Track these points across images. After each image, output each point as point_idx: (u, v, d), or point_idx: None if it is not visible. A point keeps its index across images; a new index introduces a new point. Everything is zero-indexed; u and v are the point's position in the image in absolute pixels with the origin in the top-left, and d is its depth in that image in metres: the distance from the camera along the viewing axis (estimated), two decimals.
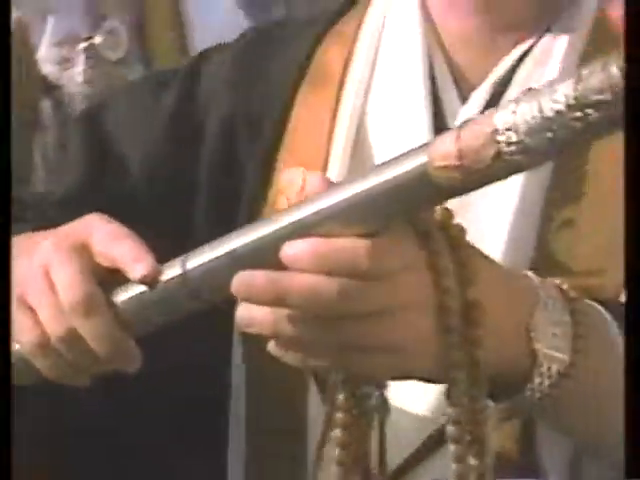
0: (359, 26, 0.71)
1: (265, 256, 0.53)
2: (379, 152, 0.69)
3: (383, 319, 0.51)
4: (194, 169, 0.74)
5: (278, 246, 0.52)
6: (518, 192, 0.66)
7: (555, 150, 0.47)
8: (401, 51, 0.70)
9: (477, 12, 0.67)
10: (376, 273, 0.50)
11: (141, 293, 0.57)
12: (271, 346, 0.53)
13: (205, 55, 0.79)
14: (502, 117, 0.47)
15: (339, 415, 0.54)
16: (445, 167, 0.48)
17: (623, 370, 0.48)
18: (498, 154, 0.47)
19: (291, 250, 0.50)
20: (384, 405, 0.55)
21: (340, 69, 0.70)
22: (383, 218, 0.52)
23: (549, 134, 0.45)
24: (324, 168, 0.68)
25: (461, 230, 0.53)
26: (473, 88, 0.68)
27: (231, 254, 0.54)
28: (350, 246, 0.50)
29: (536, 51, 0.67)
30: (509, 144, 0.46)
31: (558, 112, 0.45)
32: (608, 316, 0.57)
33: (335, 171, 0.68)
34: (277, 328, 0.51)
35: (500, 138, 0.46)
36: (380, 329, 0.51)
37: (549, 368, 0.53)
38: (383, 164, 0.52)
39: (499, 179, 0.49)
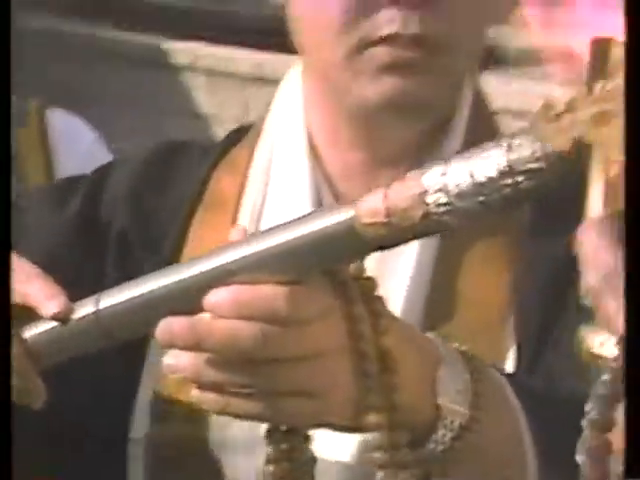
0: (251, 155, 0.74)
1: (181, 300, 0.55)
2: None
3: (301, 365, 0.53)
4: (99, 274, 0.74)
5: (193, 291, 0.54)
6: (414, 259, 0.69)
7: (484, 213, 0.47)
8: (290, 180, 0.73)
9: (359, 147, 0.71)
10: (294, 320, 0.52)
11: (52, 329, 0.58)
12: (194, 392, 0.54)
13: (111, 166, 0.81)
14: (431, 178, 0.47)
15: (270, 468, 0.56)
16: (372, 224, 0.50)
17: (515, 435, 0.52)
18: (426, 214, 0.48)
19: (213, 298, 0.52)
20: (311, 456, 0.57)
21: (235, 195, 0.73)
22: (306, 268, 0.53)
23: (480, 198, 0.46)
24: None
25: (373, 282, 0.55)
26: None
27: (145, 296, 0.56)
28: (270, 293, 0.52)
29: None
30: (438, 205, 0.47)
31: (490, 178, 0.46)
32: (503, 378, 0.59)
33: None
34: (198, 373, 0.53)
35: (429, 199, 0.48)
36: (298, 375, 0.53)
37: (452, 421, 0.55)
38: (309, 215, 0.54)
39: (426, 236, 0.51)
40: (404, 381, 0.54)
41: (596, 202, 0.41)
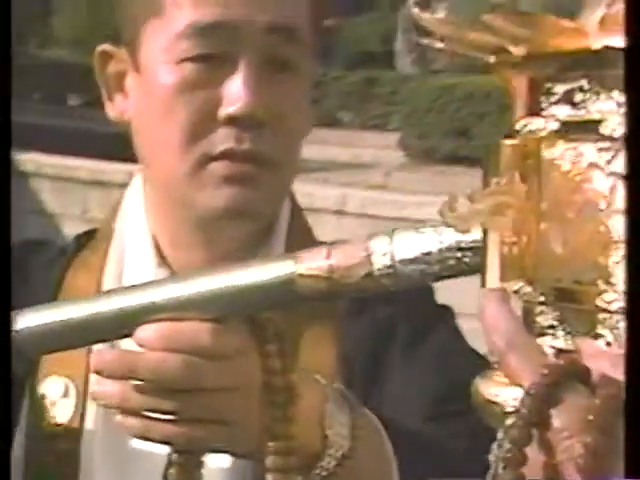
0: (104, 257, 0.77)
1: (106, 329, 0.58)
2: None
3: (220, 395, 0.57)
4: None
5: (120, 321, 0.57)
6: None
7: (425, 280, 0.51)
8: (139, 280, 0.73)
9: (199, 247, 0.74)
10: (216, 354, 0.56)
11: None
12: (117, 418, 0.57)
13: None
14: (379, 243, 0.51)
15: (172, 471, 0.59)
16: (313, 277, 0.53)
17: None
18: (369, 274, 0.51)
19: (141, 333, 0.56)
20: (203, 462, 0.60)
21: (92, 292, 0.74)
22: (237, 311, 0.57)
23: (423, 266, 0.50)
24: (86, 375, 0.71)
25: (283, 324, 0.59)
26: None
27: (66, 322, 0.57)
28: (194, 329, 0.56)
29: None
30: (381, 268, 0.51)
31: (438, 250, 0.49)
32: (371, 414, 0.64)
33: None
34: (124, 400, 0.56)
35: (374, 260, 0.51)
36: (217, 404, 0.57)
37: (336, 450, 0.61)
38: (249, 263, 0.56)
39: (364, 293, 0.54)
40: (302, 414, 0.59)
41: (494, 276, 0.45)
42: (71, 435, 0.70)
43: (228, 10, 0.68)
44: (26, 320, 0.58)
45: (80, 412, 0.71)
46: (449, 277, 0.50)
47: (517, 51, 0.43)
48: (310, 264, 0.53)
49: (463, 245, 0.49)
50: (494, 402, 0.45)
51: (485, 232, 0.45)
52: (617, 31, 0.39)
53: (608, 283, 0.41)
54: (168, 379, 0.55)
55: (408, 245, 0.50)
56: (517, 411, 0.41)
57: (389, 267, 0.50)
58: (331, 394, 0.61)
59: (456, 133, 6.26)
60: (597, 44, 0.40)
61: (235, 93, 0.68)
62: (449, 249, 0.49)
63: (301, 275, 0.53)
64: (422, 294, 0.77)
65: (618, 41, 0.38)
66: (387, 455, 0.63)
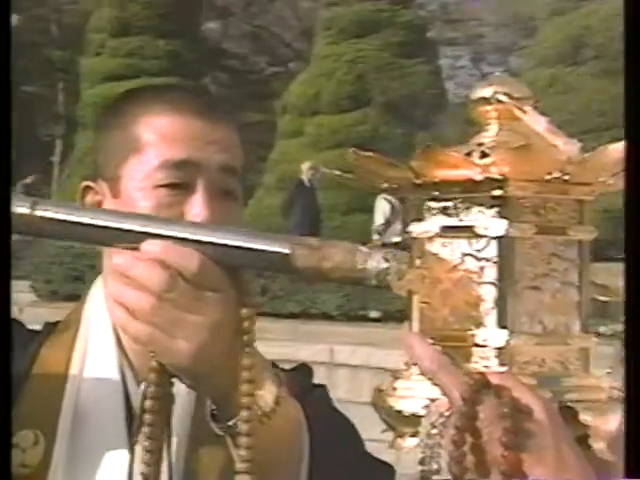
0: (73, 341, 0.88)
1: (107, 237, 0.68)
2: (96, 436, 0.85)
3: (190, 316, 0.66)
4: None
5: (128, 236, 0.66)
6: None
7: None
8: (101, 359, 0.87)
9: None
10: (197, 279, 0.65)
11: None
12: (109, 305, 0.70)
13: None
14: (374, 258, 0.62)
15: (147, 403, 0.70)
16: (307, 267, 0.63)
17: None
18: (363, 270, 0.62)
19: (148, 246, 0.66)
20: (172, 396, 0.72)
21: (62, 371, 0.86)
22: (232, 262, 0.66)
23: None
24: (54, 426, 0.83)
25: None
26: None
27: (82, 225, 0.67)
28: (188, 254, 0.66)
29: None
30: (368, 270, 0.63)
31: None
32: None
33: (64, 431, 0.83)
34: (118, 293, 0.67)
35: (370, 264, 0.62)
36: (185, 322, 0.66)
37: (259, 408, 0.69)
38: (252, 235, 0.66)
39: (354, 283, 0.64)
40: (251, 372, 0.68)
41: (416, 324, 0.62)
42: (38, 478, 0.81)
43: (192, 151, 0.84)
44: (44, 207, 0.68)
45: (48, 458, 0.81)
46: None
47: (414, 180, 0.61)
48: (304, 255, 0.63)
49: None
50: (400, 410, 0.61)
51: (409, 294, 0.62)
52: (501, 159, 0.58)
53: (479, 327, 0.61)
54: (152, 285, 0.64)
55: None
56: (457, 410, 0.58)
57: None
58: (270, 370, 0.71)
59: None
60: (479, 175, 0.59)
61: (196, 210, 0.82)
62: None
63: (294, 257, 0.63)
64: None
65: (500, 168, 0.58)
66: (301, 434, 0.73)
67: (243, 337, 0.68)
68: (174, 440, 0.76)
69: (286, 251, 0.64)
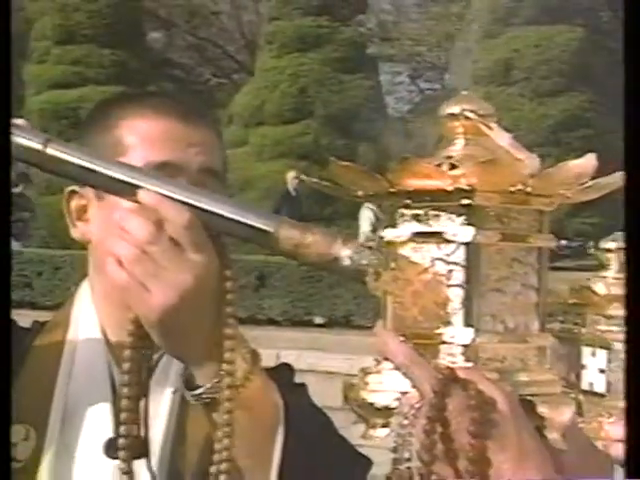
0: (64, 336, 0.90)
1: (109, 184, 0.71)
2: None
3: (172, 273, 0.67)
4: None
5: (125, 184, 0.70)
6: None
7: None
8: (89, 369, 0.88)
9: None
10: (186, 237, 0.67)
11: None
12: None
13: None
14: (347, 253, 0.65)
15: (125, 377, 0.72)
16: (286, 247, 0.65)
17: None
18: (336, 259, 0.66)
19: (144, 195, 0.69)
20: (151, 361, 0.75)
21: (53, 365, 0.87)
22: (219, 228, 0.68)
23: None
24: (45, 422, 0.85)
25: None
26: None
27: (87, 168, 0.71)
28: (179, 210, 0.68)
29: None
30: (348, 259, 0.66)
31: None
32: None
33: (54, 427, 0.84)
34: (112, 248, 0.69)
35: (344, 252, 0.66)
36: (166, 277, 0.67)
37: (228, 382, 0.71)
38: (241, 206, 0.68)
39: (328, 271, 0.67)
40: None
41: (389, 322, 0.64)
42: (28, 472, 0.81)
43: (173, 153, 0.85)
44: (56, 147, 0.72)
45: (38, 452, 0.81)
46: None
47: (389, 189, 0.64)
48: (289, 236, 0.66)
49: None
50: (372, 403, 0.64)
51: (384, 294, 0.64)
52: (470, 171, 0.61)
53: (447, 326, 0.65)
54: (137, 235, 0.67)
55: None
56: (428, 402, 0.61)
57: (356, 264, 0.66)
58: (245, 348, 0.72)
59: None
60: (449, 186, 0.62)
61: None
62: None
63: (278, 237, 0.66)
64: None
65: (468, 179, 0.61)
66: (277, 411, 0.75)
67: (226, 308, 0.69)
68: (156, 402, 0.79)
69: (270, 229, 0.66)
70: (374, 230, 8.79)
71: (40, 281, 8.20)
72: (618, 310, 1.08)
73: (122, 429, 0.72)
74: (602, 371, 1.07)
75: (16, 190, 9.23)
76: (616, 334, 1.08)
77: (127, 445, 0.72)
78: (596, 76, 11.64)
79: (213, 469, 0.69)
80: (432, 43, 17.91)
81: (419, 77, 19.87)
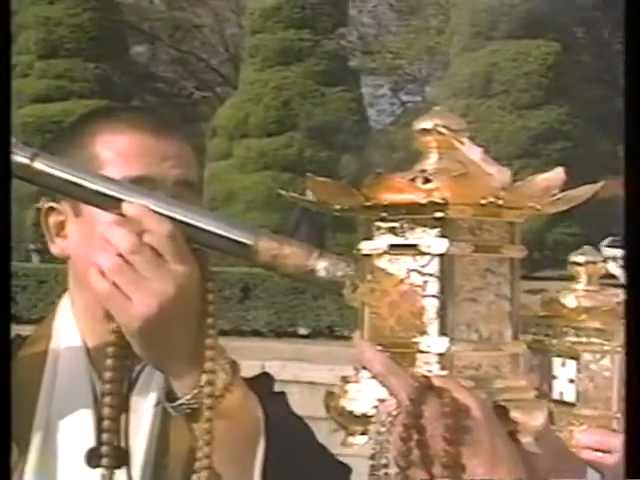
0: (46, 351, 0.90)
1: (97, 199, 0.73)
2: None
3: (156, 284, 0.69)
4: None
5: (110, 199, 0.72)
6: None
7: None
8: (71, 383, 0.88)
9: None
10: (168, 248, 0.69)
11: None
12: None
13: None
14: (323, 266, 0.67)
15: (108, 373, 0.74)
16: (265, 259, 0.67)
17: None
18: (312, 271, 0.67)
19: (128, 207, 0.71)
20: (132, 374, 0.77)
21: (35, 379, 0.88)
22: (199, 241, 0.70)
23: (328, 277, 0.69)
24: (26, 442, 0.84)
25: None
26: None
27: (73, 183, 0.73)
28: (159, 222, 0.70)
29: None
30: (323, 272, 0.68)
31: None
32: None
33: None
34: (95, 259, 0.71)
35: (320, 264, 0.68)
36: (151, 287, 0.69)
37: (210, 389, 0.72)
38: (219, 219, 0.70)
39: (306, 282, 0.69)
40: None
41: (366, 333, 0.66)
42: None
43: (148, 167, 0.86)
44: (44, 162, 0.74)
45: (20, 467, 0.82)
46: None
47: (365, 203, 0.66)
48: (267, 248, 0.68)
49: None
50: (351, 411, 0.65)
51: (362, 305, 0.66)
52: (443, 185, 0.63)
53: (422, 335, 0.66)
54: (119, 245, 0.69)
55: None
56: (405, 409, 0.62)
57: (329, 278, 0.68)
58: (224, 359, 0.73)
59: None
60: (423, 199, 0.64)
61: None
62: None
63: (256, 251, 0.68)
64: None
65: (442, 193, 0.63)
66: (258, 430, 0.75)
67: (207, 319, 0.70)
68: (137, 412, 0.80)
69: (249, 242, 0.67)
70: None
71: (24, 294, 8.15)
72: (587, 322, 1.10)
73: (104, 437, 0.72)
74: (572, 381, 1.10)
75: None
76: (585, 345, 1.10)
77: (109, 453, 0.72)
78: (572, 90, 11.76)
79: (194, 478, 0.70)
80: (413, 56, 18.03)
81: (400, 90, 19.98)
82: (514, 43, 12.18)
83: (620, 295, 1.16)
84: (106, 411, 0.72)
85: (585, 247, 1.16)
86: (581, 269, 1.13)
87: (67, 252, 0.90)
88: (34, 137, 12.11)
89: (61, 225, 0.89)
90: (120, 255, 0.69)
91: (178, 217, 0.70)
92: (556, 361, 1.09)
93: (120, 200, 0.70)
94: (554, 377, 1.08)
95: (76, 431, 0.84)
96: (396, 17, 19.52)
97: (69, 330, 0.90)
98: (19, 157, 0.72)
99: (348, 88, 12.88)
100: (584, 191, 0.64)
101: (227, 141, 12.37)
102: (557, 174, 0.62)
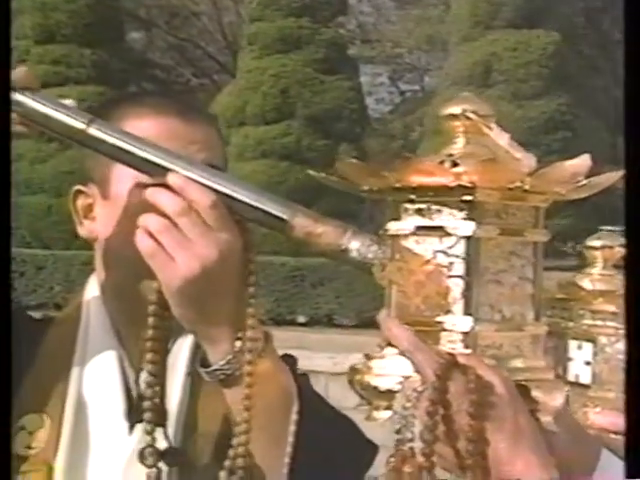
0: (76, 331, 0.92)
1: (145, 165, 0.75)
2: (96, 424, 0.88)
3: (200, 249, 0.71)
4: None
5: (158, 166, 0.74)
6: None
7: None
8: (101, 362, 0.90)
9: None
10: (211, 217, 0.71)
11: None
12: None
13: None
14: (356, 244, 0.70)
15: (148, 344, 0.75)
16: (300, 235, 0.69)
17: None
18: (345, 250, 0.70)
19: (172, 178, 0.73)
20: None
21: (67, 357, 0.90)
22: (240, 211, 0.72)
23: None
24: (62, 410, 0.86)
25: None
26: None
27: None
28: (203, 192, 0.72)
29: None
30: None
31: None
32: None
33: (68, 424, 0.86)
34: (143, 222, 0.73)
35: (348, 244, 0.70)
36: (196, 253, 0.71)
37: (248, 354, 0.74)
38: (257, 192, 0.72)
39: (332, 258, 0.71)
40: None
41: (393, 310, 0.67)
42: (44, 460, 0.83)
43: (175, 150, 0.83)
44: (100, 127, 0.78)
45: (53, 440, 0.83)
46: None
47: (394, 185, 0.68)
48: (302, 225, 0.70)
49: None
50: (375, 386, 0.68)
51: (389, 283, 0.68)
52: (471, 169, 0.65)
53: (447, 314, 0.68)
54: (167, 208, 0.71)
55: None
56: (431, 385, 0.64)
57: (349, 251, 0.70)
58: (260, 328, 0.75)
59: None
60: (452, 183, 0.66)
61: None
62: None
63: (291, 226, 0.70)
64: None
65: (470, 177, 0.65)
66: (290, 390, 0.78)
67: (248, 288, 0.73)
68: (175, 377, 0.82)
69: (285, 217, 0.69)
70: None
71: (22, 280, 8.16)
72: (603, 305, 1.12)
73: (147, 392, 0.75)
74: (588, 363, 1.12)
75: None
76: (601, 328, 1.12)
77: (151, 408, 0.75)
78: (572, 80, 11.76)
79: (234, 441, 0.72)
80: (412, 45, 17.99)
81: (399, 79, 19.95)
82: (514, 32, 12.16)
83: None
84: (148, 367, 0.74)
85: (601, 232, 1.18)
86: (597, 253, 1.15)
87: (95, 234, 0.91)
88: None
89: (89, 207, 0.91)
90: (168, 216, 0.71)
91: (220, 188, 0.72)
92: (572, 344, 1.11)
93: (167, 169, 0.72)
94: (570, 359, 1.11)
95: (107, 409, 0.86)
96: (395, 6, 19.46)
97: (97, 310, 0.91)
98: (76, 122, 0.75)
99: (347, 76, 12.85)
100: (607, 178, 0.66)
101: (225, 129, 12.34)
102: (583, 161, 0.64)
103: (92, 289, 0.94)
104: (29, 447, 0.84)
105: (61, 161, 10.03)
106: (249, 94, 12.34)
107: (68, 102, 0.77)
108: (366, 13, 19.62)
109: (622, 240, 1.10)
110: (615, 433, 1.02)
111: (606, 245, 1.14)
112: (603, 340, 1.10)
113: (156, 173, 0.74)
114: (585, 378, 1.08)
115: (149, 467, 0.75)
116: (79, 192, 0.92)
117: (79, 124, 0.75)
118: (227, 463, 0.73)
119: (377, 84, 19.73)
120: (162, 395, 0.77)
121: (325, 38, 12.94)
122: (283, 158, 11.31)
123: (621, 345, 1.12)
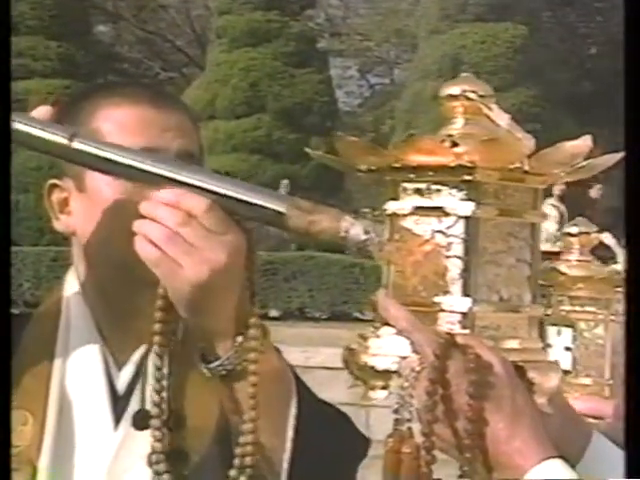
0: (56, 326, 0.90)
1: (135, 175, 0.74)
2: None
3: (199, 255, 0.71)
4: None
5: (145, 176, 0.73)
6: None
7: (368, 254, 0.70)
8: (83, 358, 0.89)
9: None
10: (209, 221, 0.70)
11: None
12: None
13: None
14: (355, 228, 0.69)
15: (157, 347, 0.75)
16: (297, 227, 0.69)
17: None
18: (344, 237, 0.69)
19: (163, 193, 0.72)
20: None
21: (48, 353, 0.88)
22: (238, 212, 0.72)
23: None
24: (45, 408, 0.85)
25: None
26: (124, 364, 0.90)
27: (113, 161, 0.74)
28: (196, 199, 0.71)
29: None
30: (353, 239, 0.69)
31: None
32: None
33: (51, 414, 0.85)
34: (141, 228, 0.72)
35: (348, 230, 0.69)
36: (196, 260, 0.71)
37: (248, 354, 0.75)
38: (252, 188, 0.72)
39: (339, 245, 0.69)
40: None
41: (389, 290, 0.67)
42: (28, 457, 0.81)
43: (150, 139, 0.86)
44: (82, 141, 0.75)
45: (37, 437, 0.82)
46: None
47: (393, 164, 0.67)
48: (297, 217, 0.69)
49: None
50: (372, 366, 0.67)
51: (388, 263, 0.68)
52: (472, 148, 0.64)
53: (445, 295, 0.68)
54: (168, 220, 0.70)
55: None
56: (430, 364, 0.64)
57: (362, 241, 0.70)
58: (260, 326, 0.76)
59: None
60: (453, 162, 0.65)
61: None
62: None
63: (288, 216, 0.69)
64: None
65: (471, 157, 0.64)
66: (288, 383, 0.78)
67: (252, 287, 0.73)
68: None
69: (282, 210, 0.69)
70: (559, 228, 8.60)
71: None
72: (581, 291, 1.14)
73: (154, 398, 0.74)
74: (568, 349, 1.13)
75: None
76: (579, 314, 1.14)
77: (158, 414, 0.75)
78: (540, 73, 11.87)
79: (241, 439, 0.71)
80: (381, 38, 18.02)
81: (369, 72, 19.97)
82: (482, 26, 12.25)
83: (613, 265, 1.20)
84: (155, 373, 0.75)
85: (578, 218, 1.19)
86: (574, 240, 1.16)
87: (72, 228, 0.90)
88: None
89: (65, 201, 0.89)
90: (169, 227, 0.70)
91: (214, 189, 0.71)
92: (551, 330, 1.13)
93: (155, 175, 0.71)
94: (549, 345, 1.12)
95: (91, 405, 0.85)
96: None
97: (78, 306, 0.90)
98: (57, 137, 0.73)
99: (317, 70, 12.84)
100: (606, 159, 0.67)
101: None
102: (584, 142, 0.64)
103: (71, 285, 0.92)
104: (12, 445, 0.82)
105: (28, 157, 9.88)
106: (218, 87, 12.28)
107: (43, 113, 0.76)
108: (335, 6, 19.61)
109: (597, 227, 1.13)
110: (595, 418, 1.03)
111: (583, 232, 1.16)
112: (582, 325, 1.12)
113: (144, 180, 0.73)
114: (565, 364, 1.09)
115: (159, 474, 0.75)
116: (54, 186, 0.90)
117: (61, 139, 0.73)
118: (236, 462, 0.73)
119: (347, 77, 19.73)
120: (169, 400, 0.76)
121: (294, 31, 12.91)
122: (254, 152, 11.27)
123: (600, 330, 1.13)
